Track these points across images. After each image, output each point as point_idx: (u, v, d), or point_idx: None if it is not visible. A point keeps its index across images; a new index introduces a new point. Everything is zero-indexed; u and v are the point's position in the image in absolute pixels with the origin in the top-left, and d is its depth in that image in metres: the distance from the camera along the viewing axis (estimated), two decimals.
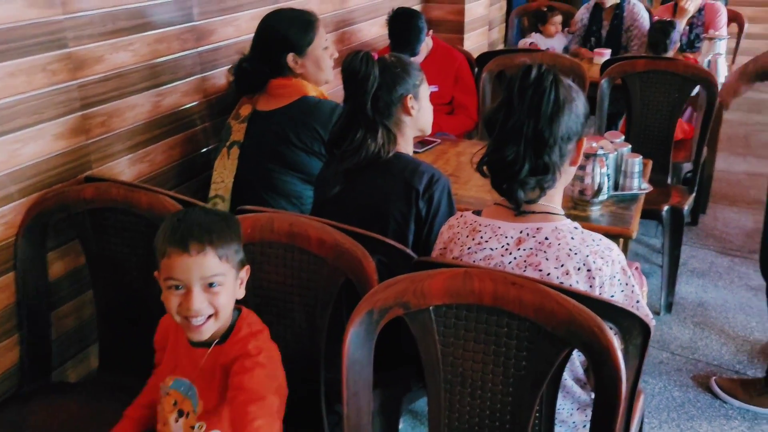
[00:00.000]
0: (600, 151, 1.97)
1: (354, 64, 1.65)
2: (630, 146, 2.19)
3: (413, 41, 2.95)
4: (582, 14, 4.31)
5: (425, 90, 1.78)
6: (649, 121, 2.98)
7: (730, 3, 5.77)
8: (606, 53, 3.96)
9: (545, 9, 4.42)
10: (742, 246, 3.29)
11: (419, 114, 1.76)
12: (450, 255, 1.40)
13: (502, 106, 1.32)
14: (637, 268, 1.83)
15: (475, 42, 3.83)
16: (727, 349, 2.54)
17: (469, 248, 1.36)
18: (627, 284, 1.32)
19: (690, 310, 2.79)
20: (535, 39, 4.33)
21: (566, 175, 1.38)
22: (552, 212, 1.36)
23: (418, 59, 3.05)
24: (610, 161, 2.10)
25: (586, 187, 2.00)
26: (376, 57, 1.70)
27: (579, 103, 1.33)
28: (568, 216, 2.06)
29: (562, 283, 1.28)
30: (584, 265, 1.28)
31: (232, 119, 2.07)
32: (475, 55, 3.76)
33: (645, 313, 1.33)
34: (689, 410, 2.26)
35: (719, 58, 3.46)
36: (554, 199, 1.38)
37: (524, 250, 1.32)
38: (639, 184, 2.15)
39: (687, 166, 3.27)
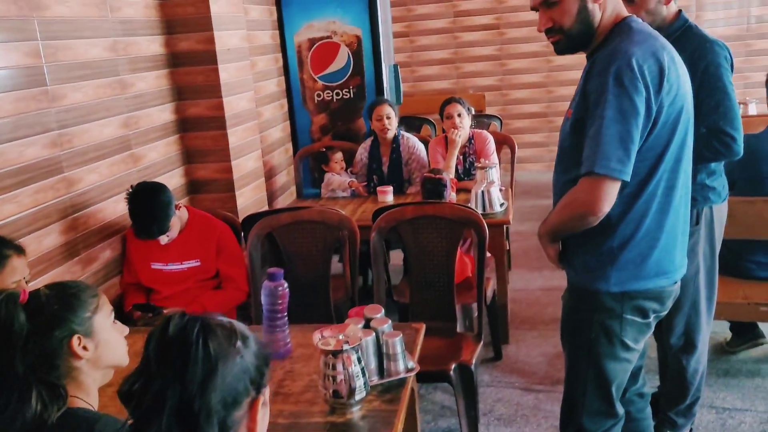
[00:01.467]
0: (345, 347, 1.71)
1: None
2: (389, 323, 1.96)
3: (160, 219, 2.62)
4: (361, 154, 4.28)
5: (104, 318, 1.44)
6: (428, 268, 2.84)
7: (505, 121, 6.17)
8: (389, 191, 3.91)
9: (324, 150, 4.34)
10: (545, 377, 3.19)
11: (99, 352, 1.40)
12: None
13: (140, 372, 1.00)
14: None
15: (250, 197, 3.60)
16: None
17: None
18: None
19: None
20: (332, 178, 4.21)
21: None
22: None
23: (172, 234, 2.72)
24: (367, 348, 1.86)
25: (339, 388, 1.73)
26: (25, 295, 1.33)
27: (246, 355, 1.04)
28: (325, 424, 1.79)
29: None
30: None
31: None
32: (251, 210, 3.54)
33: None
34: None
35: (492, 187, 3.50)
36: None
37: None
38: (405, 365, 1.91)
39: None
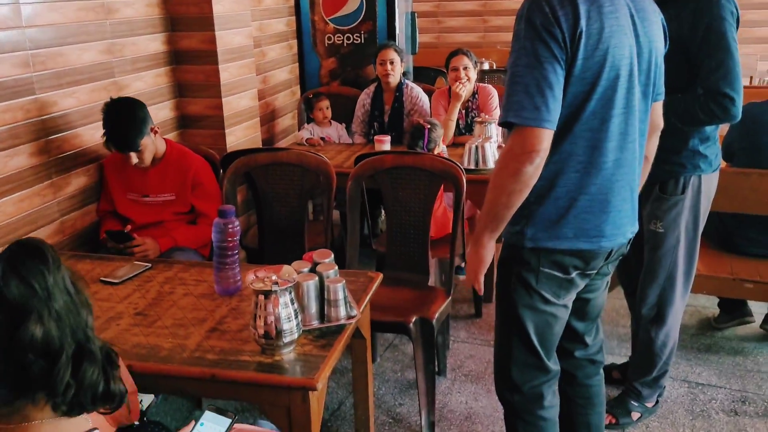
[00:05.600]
0: (275, 287, 1.67)
1: None
2: (336, 268, 1.91)
3: (134, 129, 2.56)
4: (363, 99, 4.18)
5: None
6: (404, 220, 2.78)
7: None
8: (386, 140, 3.82)
9: (311, 96, 4.23)
10: None
11: None
12: None
13: None
14: None
15: (241, 136, 3.54)
16: None
17: None
18: None
19: (456, 426, 2.54)
20: (311, 129, 4.13)
21: None
22: None
23: (145, 158, 2.67)
24: (309, 292, 1.82)
25: (269, 329, 1.69)
26: None
27: None
28: (256, 363, 1.76)
29: None
30: None
31: None
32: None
33: None
34: None
35: (488, 142, 3.39)
36: None
37: None
38: (347, 312, 1.87)
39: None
